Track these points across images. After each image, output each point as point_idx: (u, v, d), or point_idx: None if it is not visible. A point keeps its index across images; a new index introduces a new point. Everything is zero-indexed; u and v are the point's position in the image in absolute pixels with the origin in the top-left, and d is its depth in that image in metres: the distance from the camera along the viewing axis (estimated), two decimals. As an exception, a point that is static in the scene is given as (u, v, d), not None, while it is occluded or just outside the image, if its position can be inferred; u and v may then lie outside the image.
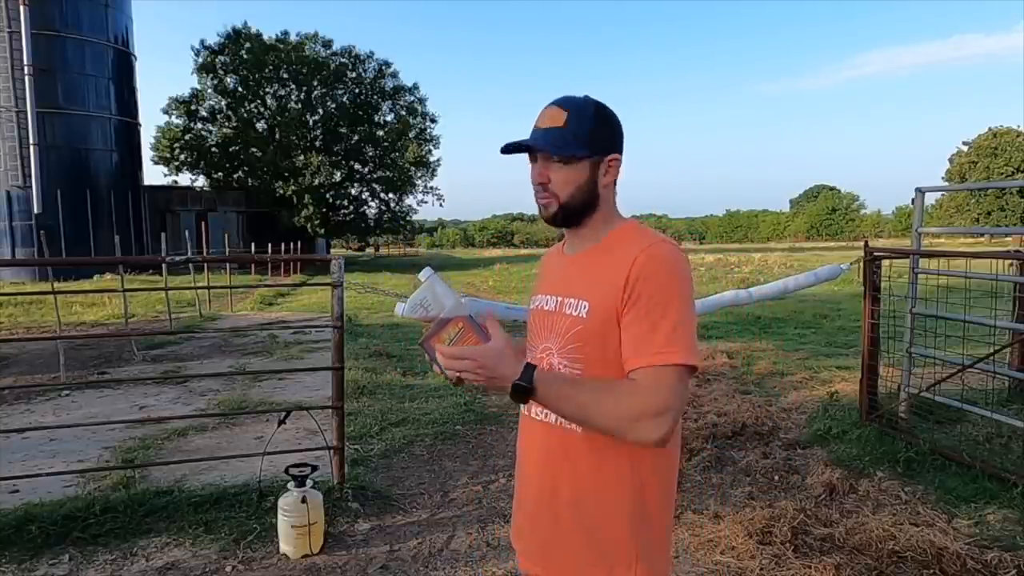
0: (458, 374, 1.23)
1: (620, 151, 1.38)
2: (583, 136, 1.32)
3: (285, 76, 36.65)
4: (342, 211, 38.30)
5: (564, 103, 1.34)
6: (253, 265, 25.37)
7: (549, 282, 1.48)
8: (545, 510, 1.39)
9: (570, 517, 1.35)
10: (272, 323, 12.00)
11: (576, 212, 1.37)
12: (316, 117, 37.69)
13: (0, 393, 6.53)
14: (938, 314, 4.77)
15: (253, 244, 25.27)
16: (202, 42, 36.31)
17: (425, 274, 1.44)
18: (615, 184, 1.40)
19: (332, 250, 42.15)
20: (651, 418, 1.17)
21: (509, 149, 1.37)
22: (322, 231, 35.96)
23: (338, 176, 37.23)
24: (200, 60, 36.20)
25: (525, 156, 1.40)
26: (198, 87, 36.90)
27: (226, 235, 22.99)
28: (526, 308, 1.63)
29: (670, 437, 1.20)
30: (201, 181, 37.25)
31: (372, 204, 39.78)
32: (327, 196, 35.72)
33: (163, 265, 11.31)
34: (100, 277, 22.07)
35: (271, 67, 36.03)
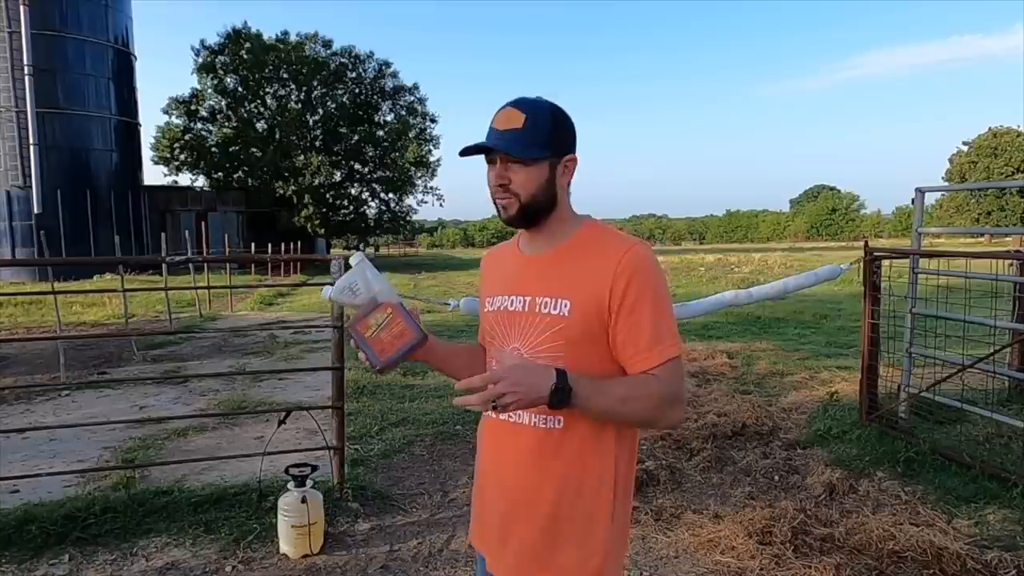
0: (495, 401, 1.16)
1: (575, 151, 1.41)
2: (542, 137, 1.34)
3: (285, 76, 36.67)
4: (342, 211, 38.30)
5: (520, 105, 1.35)
6: (253, 265, 25.36)
7: (509, 282, 1.46)
8: (525, 512, 1.39)
9: (555, 515, 1.36)
10: (272, 323, 12.00)
11: (536, 212, 1.38)
12: (316, 117, 37.71)
13: (0, 393, 6.53)
14: (938, 314, 4.76)
15: (253, 244, 25.26)
16: (202, 42, 36.37)
17: (356, 258, 1.44)
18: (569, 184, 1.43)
19: (332, 250, 42.14)
20: (679, 404, 1.31)
21: (469, 151, 1.37)
22: (322, 231, 35.99)
23: (338, 176, 37.28)
24: (200, 60, 36.22)
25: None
26: (198, 87, 36.95)
27: (226, 235, 23.10)
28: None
29: None
30: (201, 181, 37.29)
31: (372, 204, 39.84)
32: (327, 196, 35.75)
33: (163, 265, 11.31)
34: (100, 277, 22.05)
35: (271, 67, 36.04)
